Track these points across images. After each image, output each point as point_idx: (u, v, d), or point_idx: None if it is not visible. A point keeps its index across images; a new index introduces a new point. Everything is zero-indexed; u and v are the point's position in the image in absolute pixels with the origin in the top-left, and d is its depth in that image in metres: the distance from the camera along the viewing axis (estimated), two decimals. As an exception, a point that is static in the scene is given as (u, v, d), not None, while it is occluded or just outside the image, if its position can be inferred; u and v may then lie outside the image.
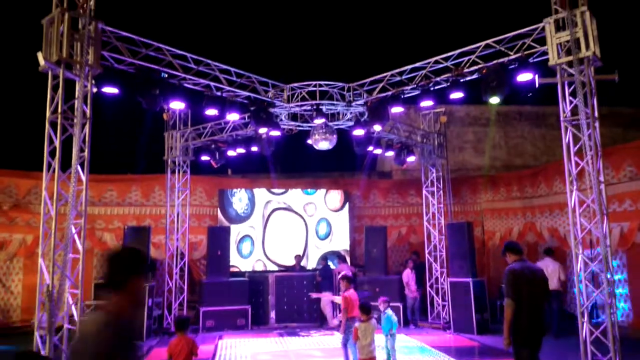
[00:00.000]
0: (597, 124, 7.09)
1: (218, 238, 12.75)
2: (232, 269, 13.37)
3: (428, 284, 12.93)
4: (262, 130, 10.64)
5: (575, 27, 7.07)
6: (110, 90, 7.70)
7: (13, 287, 12.48)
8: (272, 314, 12.55)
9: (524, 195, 14.10)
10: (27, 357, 2.61)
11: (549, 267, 10.22)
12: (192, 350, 5.50)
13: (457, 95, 8.92)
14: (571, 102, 7.25)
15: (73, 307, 6.53)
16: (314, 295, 10.97)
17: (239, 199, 14.62)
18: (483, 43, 8.38)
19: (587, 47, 7.02)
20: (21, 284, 12.47)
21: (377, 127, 10.45)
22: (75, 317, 6.45)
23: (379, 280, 12.58)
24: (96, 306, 2.42)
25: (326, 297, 10.40)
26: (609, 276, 6.53)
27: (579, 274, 6.78)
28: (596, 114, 7.09)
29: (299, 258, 14.08)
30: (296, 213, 15.00)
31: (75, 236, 6.65)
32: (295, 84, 10.24)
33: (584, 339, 6.59)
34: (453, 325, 11.46)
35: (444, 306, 12.30)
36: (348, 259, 14.33)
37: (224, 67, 9.06)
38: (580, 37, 7.05)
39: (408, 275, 12.49)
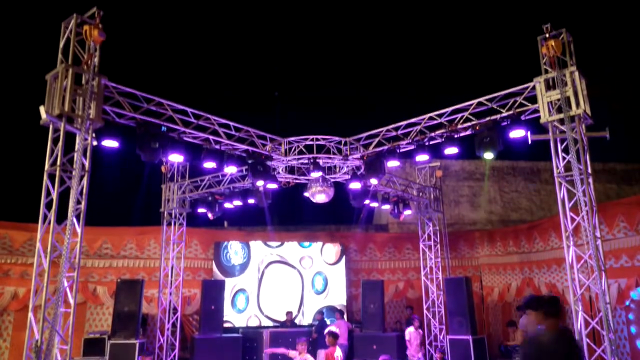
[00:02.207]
0: (590, 180, 7.18)
1: (212, 292, 12.52)
2: (225, 324, 13.04)
3: (427, 342, 12.63)
4: (260, 183, 10.70)
5: (565, 86, 7.31)
6: (110, 143, 7.81)
7: (1, 342, 12.10)
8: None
9: (521, 250, 14.03)
10: None
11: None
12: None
13: (451, 150, 9.06)
14: (564, 159, 7.38)
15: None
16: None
17: (234, 252, 14.48)
18: (476, 101, 8.62)
19: (578, 105, 7.24)
20: (10, 338, 12.10)
21: (373, 181, 10.53)
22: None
23: (376, 337, 12.27)
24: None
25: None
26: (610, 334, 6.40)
27: (579, 331, 6.66)
28: (589, 170, 7.20)
29: (290, 315, 13.79)
30: (292, 266, 14.83)
31: (67, 290, 6.54)
32: (293, 138, 10.41)
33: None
34: (453, 385, 11.10)
35: (443, 364, 11.96)
36: (345, 315, 14.04)
37: (223, 121, 9.24)
38: (571, 96, 7.28)
39: (411, 334, 11.85)
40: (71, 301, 6.50)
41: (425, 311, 12.86)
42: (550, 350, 4.20)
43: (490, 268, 14.94)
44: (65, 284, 6.46)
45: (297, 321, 14.25)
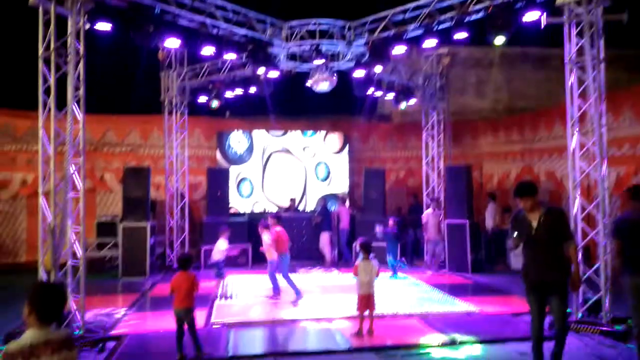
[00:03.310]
0: (602, 66, 6.94)
1: (217, 179, 12.82)
2: (231, 210, 13.53)
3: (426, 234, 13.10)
4: (260, 71, 10.44)
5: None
6: (103, 26, 7.45)
7: (18, 225, 12.67)
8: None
9: (524, 139, 14.05)
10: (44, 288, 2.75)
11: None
12: (192, 285, 5.67)
13: (461, 35, 8.66)
14: (577, 43, 7.06)
15: (76, 244, 6.64)
16: None
17: (237, 141, 14.58)
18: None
19: (597, -16, 6.76)
20: (25, 222, 12.65)
21: (378, 69, 10.25)
22: (79, 254, 6.57)
23: (377, 222, 12.73)
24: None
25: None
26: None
27: (575, 216, 6.87)
28: (602, 55, 6.93)
29: (293, 201, 14.20)
30: (295, 155, 15.01)
31: (75, 174, 6.66)
32: (294, 22, 9.92)
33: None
34: (448, 265, 11.75)
35: (439, 247, 12.53)
36: (347, 202, 14.46)
37: (220, 2, 8.74)
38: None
39: (428, 216, 11.71)
40: (79, 186, 6.65)
41: (425, 198, 13.21)
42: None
43: (492, 157, 15.09)
44: (72, 168, 6.56)
45: (300, 207, 14.75)
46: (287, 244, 8.71)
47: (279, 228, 8.74)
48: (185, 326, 5.66)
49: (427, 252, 11.82)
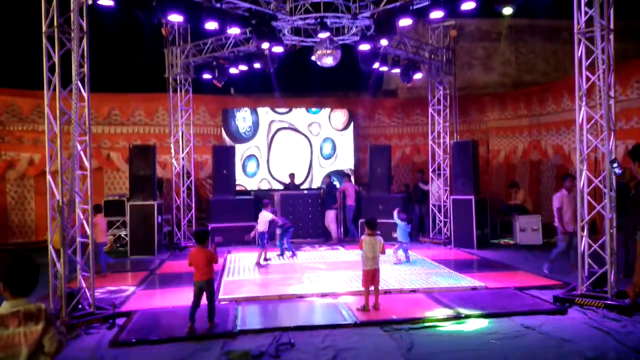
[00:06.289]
0: (611, 37, 6.81)
1: (223, 157, 12.83)
2: (238, 188, 13.57)
3: (431, 202, 13.12)
4: (265, 46, 10.34)
5: None
6: (105, 1, 7.38)
7: (27, 205, 12.79)
8: (278, 231, 12.84)
9: (531, 113, 13.92)
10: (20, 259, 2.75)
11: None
12: (209, 258, 5.86)
13: (468, 5, 8.51)
14: (586, 14, 6.91)
15: (84, 222, 6.70)
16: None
17: (242, 118, 14.54)
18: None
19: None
20: (34, 201, 12.77)
21: (383, 42, 10.10)
22: (88, 232, 6.63)
23: (382, 198, 12.76)
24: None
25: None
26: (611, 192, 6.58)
27: (581, 190, 6.84)
28: (612, 25, 6.79)
29: (292, 176, 14.18)
30: (300, 133, 14.97)
31: (82, 153, 6.67)
32: (299, -5, 9.77)
33: (582, 251, 6.77)
34: (454, 241, 11.77)
35: (445, 223, 12.56)
36: (352, 178, 14.46)
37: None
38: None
39: (562, 200, 8.42)
40: (86, 164, 6.67)
41: (430, 174, 13.18)
42: None
43: (499, 132, 14.98)
44: (79, 147, 6.57)
45: (306, 184, 14.77)
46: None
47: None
48: (203, 299, 5.81)
49: (561, 250, 8.44)
